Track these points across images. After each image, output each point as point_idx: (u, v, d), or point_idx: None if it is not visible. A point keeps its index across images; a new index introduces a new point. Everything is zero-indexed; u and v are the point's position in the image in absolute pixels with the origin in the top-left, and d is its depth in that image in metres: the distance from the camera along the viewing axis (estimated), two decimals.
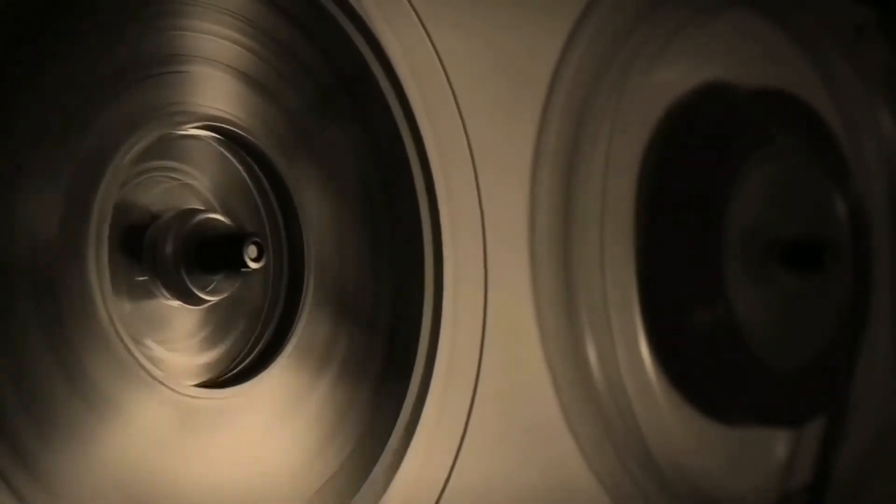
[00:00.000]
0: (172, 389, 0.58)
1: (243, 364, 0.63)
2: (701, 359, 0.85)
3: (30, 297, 0.54)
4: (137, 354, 0.57)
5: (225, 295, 0.61)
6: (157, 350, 0.60)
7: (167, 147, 0.61)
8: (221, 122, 0.62)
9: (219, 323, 0.63)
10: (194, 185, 0.62)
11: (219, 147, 0.63)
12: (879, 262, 0.96)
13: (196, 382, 0.61)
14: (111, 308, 0.56)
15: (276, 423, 0.62)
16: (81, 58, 0.56)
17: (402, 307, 0.68)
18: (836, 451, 0.92)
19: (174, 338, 0.61)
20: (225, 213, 0.62)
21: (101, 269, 0.56)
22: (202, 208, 0.62)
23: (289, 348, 0.63)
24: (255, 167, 0.64)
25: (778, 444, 0.90)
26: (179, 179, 0.62)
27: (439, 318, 0.69)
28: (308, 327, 0.63)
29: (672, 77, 0.85)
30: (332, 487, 0.64)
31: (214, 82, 0.61)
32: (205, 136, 0.62)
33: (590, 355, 0.80)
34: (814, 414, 0.92)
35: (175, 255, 0.60)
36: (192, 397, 0.59)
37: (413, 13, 0.69)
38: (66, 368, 0.55)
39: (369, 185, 0.67)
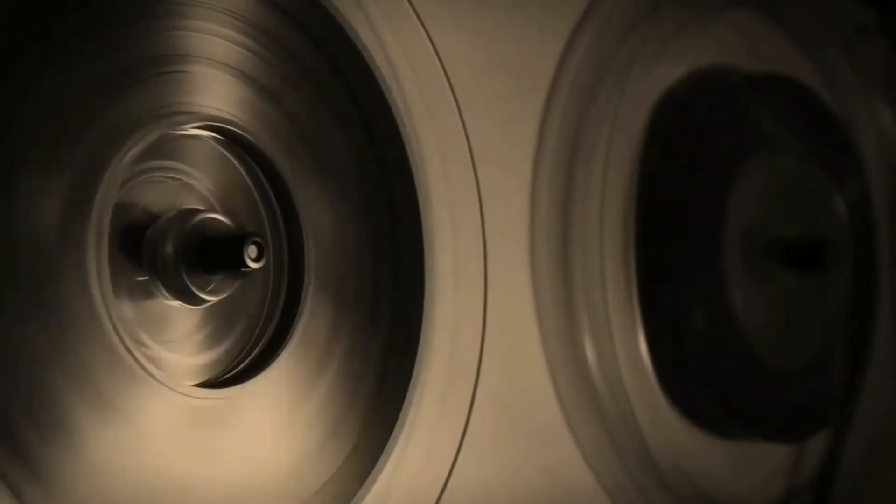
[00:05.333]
0: (172, 389, 0.58)
1: (243, 364, 0.63)
2: (701, 359, 0.85)
3: (30, 298, 0.54)
4: (137, 354, 0.57)
5: (225, 295, 0.61)
6: (157, 350, 0.60)
7: (167, 147, 0.61)
8: (222, 122, 0.62)
9: (219, 322, 0.63)
10: (194, 185, 0.62)
11: (219, 147, 0.63)
12: (881, 262, 0.95)
13: (196, 382, 0.61)
14: (111, 308, 0.56)
15: (275, 423, 0.62)
16: (82, 58, 0.56)
17: (402, 307, 0.68)
18: (838, 450, 0.91)
19: (174, 338, 0.61)
20: (225, 213, 0.62)
21: (101, 270, 0.56)
22: (202, 208, 0.62)
23: (289, 348, 0.63)
24: (255, 167, 0.64)
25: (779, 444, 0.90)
26: (179, 179, 0.62)
27: (439, 318, 0.69)
28: (308, 327, 0.63)
29: (672, 77, 0.85)
30: (332, 487, 0.64)
31: (214, 82, 0.61)
32: (205, 136, 0.62)
33: (590, 355, 0.80)
34: (815, 417, 0.91)
35: (175, 255, 0.60)
36: (193, 397, 0.59)
37: (413, 13, 0.69)
38: (66, 369, 0.55)
39: (369, 185, 0.67)
